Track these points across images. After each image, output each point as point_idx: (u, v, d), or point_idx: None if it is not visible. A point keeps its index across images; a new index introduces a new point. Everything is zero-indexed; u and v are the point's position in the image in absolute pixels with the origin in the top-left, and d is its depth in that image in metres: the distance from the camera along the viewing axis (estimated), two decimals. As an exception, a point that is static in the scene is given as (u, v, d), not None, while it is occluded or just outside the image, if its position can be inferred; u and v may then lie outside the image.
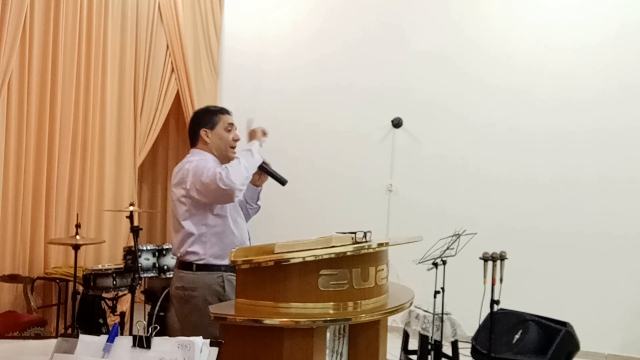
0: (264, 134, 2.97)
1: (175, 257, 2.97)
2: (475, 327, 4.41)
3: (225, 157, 2.91)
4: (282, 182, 2.95)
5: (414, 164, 5.93)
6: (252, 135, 2.96)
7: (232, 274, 2.75)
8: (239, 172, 2.69)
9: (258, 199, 3.09)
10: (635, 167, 5.17)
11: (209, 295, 2.78)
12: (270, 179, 3.03)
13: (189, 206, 2.81)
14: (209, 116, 2.94)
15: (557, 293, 5.26)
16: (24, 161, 4.75)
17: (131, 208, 4.43)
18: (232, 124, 2.95)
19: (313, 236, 2.53)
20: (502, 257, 3.82)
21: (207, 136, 2.90)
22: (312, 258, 2.29)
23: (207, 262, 2.82)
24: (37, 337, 3.89)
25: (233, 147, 2.94)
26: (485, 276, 3.84)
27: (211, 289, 2.79)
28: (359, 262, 2.39)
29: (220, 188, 2.65)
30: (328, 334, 2.45)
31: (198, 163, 2.79)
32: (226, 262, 2.74)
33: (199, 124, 2.93)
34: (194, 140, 2.96)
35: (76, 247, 4.46)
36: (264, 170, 2.95)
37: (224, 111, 2.98)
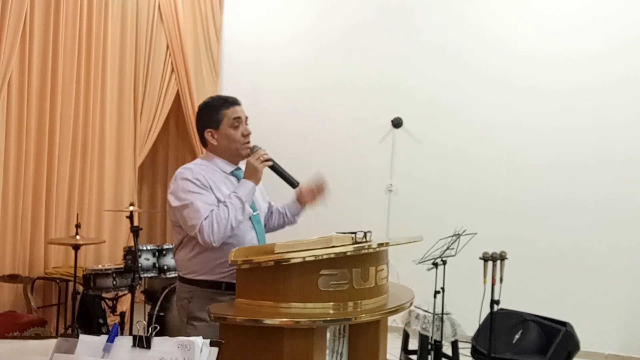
0: (262, 159, 2.53)
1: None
2: (475, 327, 4.41)
3: (238, 156, 2.60)
4: (292, 183, 2.65)
5: (414, 164, 5.93)
6: (247, 170, 2.53)
7: (208, 289, 2.52)
8: (223, 230, 2.39)
9: (298, 215, 2.92)
10: (637, 164, 5.17)
11: (180, 308, 2.61)
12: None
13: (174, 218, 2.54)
14: (210, 114, 2.56)
15: (557, 293, 5.26)
16: (24, 161, 4.75)
17: (131, 208, 4.43)
18: (238, 118, 2.55)
19: (313, 236, 2.53)
20: (502, 257, 3.82)
21: (214, 137, 2.56)
22: (312, 258, 2.28)
23: (184, 276, 2.60)
24: (37, 337, 3.87)
25: (245, 144, 2.58)
26: (485, 276, 3.84)
27: (182, 302, 2.60)
28: (359, 262, 2.38)
29: (197, 237, 2.41)
30: (328, 334, 2.44)
31: (193, 202, 2.40)
32: (204, 277, 2.53)
33: (203, 125, 2.58)
34: (203, 141, 2.62)
35: (76, 247, 4.46)
36: (274, 170, 2.61)
37: (226, 104, 2.56)
